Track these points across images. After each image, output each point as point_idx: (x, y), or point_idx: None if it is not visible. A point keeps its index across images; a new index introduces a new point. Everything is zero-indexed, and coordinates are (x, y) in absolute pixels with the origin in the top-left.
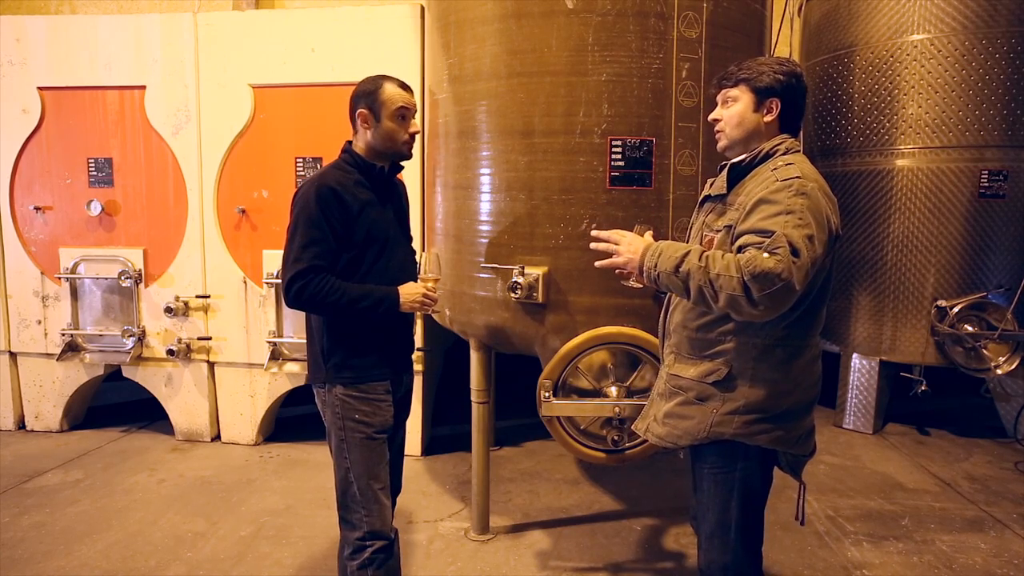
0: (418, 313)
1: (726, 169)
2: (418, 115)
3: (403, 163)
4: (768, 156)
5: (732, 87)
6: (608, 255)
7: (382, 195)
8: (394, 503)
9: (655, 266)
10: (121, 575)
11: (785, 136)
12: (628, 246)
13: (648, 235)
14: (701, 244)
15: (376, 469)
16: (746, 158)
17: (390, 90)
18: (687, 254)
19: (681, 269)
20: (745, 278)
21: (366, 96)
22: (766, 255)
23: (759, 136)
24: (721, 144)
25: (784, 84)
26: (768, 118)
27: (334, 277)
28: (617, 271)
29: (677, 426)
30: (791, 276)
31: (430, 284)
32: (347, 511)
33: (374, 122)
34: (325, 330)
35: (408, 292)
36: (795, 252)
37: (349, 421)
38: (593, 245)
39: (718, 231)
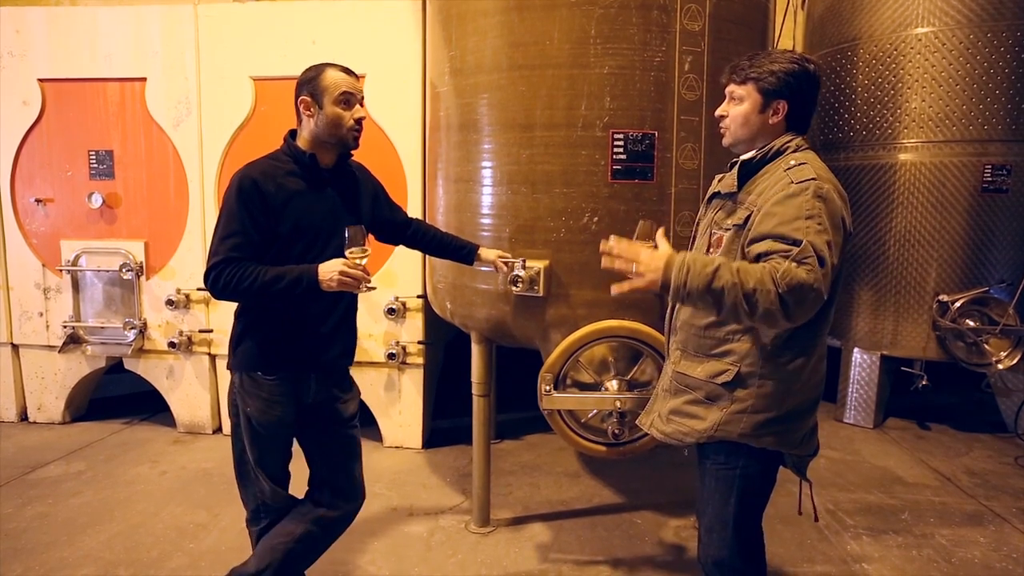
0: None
1: (736, 167)
2: (417, 107)
3: (352, 151)
4: (779, 153)
5: (740, 84)
6: (623, 275)
7: (317, 184)
8: (351, 508)
9: (684, 283)
10: (123, 566)
11: (793, 134)
12: (648, 264)
13: (662, 241)
14: (709, 242)
15: (268, 458)
16: (756, 156)
17: (332, 74)
18: (717, 269)
19: (714, 286)
20: (782, 291)
21: (308, 83)
22: (796, 265)
23: (764, 135)
24: (726, 140)
25: (793, 87)
26: (774, 119)
27: (252, 264)
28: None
29: (684, 424)
30: (821, 286)
31: (357, 260)
32: (242, 487)
33: (317, 109)
34: (238, 317)
35: (326, 268)
36: (821, 261)
37: (243, 413)
38: (606, 263)
39: (727, 229)
